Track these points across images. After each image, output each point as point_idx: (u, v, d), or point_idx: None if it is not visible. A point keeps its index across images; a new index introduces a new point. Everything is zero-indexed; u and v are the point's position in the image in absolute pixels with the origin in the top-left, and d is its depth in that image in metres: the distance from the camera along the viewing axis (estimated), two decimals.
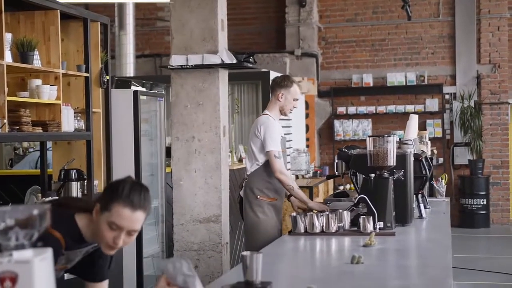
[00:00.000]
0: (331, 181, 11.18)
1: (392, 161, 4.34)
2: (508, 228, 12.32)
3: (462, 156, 12.52)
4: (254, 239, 5.12)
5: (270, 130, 5.11)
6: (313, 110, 12.53)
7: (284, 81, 5.29)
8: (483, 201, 12.16)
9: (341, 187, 12.11)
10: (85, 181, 5.53)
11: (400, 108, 12.60)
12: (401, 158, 4.49)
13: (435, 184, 6.31)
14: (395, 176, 4.42)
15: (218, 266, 5.65)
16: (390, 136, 4.37)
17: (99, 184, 5.81)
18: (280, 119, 5.31)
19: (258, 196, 5.16)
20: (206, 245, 5.69)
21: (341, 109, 12.88)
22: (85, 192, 5.56)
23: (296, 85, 5.32)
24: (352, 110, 12.83)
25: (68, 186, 5.34)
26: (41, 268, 1.72)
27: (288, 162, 9.81)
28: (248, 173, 5.26)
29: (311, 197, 9.03)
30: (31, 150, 8.96)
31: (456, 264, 8.57)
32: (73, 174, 5.37)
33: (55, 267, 2.55)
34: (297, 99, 5.31)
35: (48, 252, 1.77)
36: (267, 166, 5.14)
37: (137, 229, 2.56)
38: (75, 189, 5.36)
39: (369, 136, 4.43)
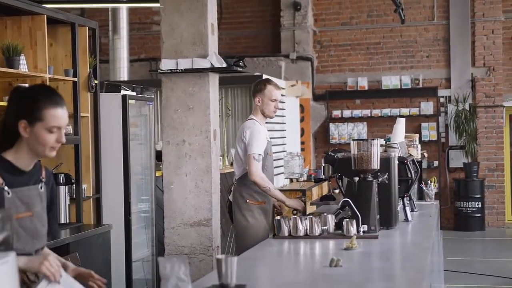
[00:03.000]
0: (325, 185, 11.19)
1: (376, 164, 4.35)
2: (503, 231, 12.32)
3: (457, 159, 12.53)
4: (244, 243, 5.15)
5: (255, 134, 5.20)
6: (308, 113, 12.55)
7: (258, 85, 5.40)
8: (478, 204, 12.17)
9: (337, 191, 12.12)
10: (73, 185, 5.54)
11: (395, 111, 12.61)
12: (386, 162, 4.50)
13: (424, 187, 6.31)
14: (379, 179, 4.43)
15: (209, 270, 5.65)
16: (374, 139, 4.38)
17: (87, 189, 5.83)
18: (272, 122, 5.37)
19: (248, 200, 5.24)
20: (197, 248, 5.70)
21: (336, 113, 12.90)
22: (74, 196, 5.57)
23: (272, 86, 5.39)
24: (347, 113, 12.85)
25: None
26: (2, 272, 1.74)
27: (281, 166, 9.86)
28: (236, 178, 5.34)
29: (304, 201, 9.04)
30: None
31: (451, 267, 8.57)
32: (61, 178, 5.38)
33: (16, 214, 2.60)
34: (275, 100, 5.36)
35: (11, 257, 1.79)
36: None
37: (68, 123, 2.84)
38: (63, 194, 5.38)
39: (353, 140, 4.45)
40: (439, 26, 12.74)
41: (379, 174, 4.44)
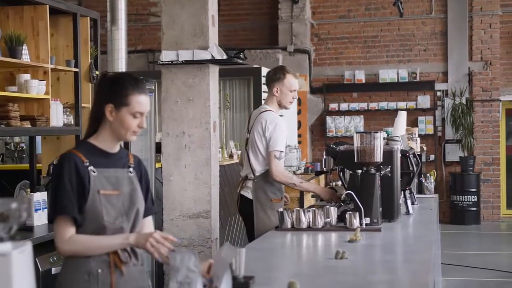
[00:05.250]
0: (322, 178, 11.20)
1: (378, 157, 4.35)
2: (499, 225, 12.37)
3: (454, 153, 12.56)
4: None
5: (277, 130, 4.93)
6: (305, 106, 12.56)
7: (277, 74, 5.11)
8: (474, 198, 12.22)
9: (333, 183, 12.13)
10: None
11: (392, 104, 12.63)
12: (388, 154, 4.50)
13: (423, 181, 6.33)
14: (382, 172, 4.44)
15: None
16: (377, 132, 4.39)
17: None
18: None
19: (272, 199, 5.01)
20: (196, 240, 5.70)
21: (333, 106, 12.91)
22: None
23: (291, 75, 5.11)
24: (344, 106, 12.86)
25: None
26: (19, 260, 1.73)
27: None
28: (256, 174, 5.03)
29: (301, 194, 9.03)
30: (22, 145, 8.95)
31: (447, 261, 8.60)
32: None
33: (102, 191, 2.80)
34: (294, 90, 5.09)
35: (27, 246, 1.78)
36: None
37: (149, 109, 2.91)
38: None
39: (356, 132, 4.45)
40: (437, 20, 12.75)
41: (381, 167, 4.45)
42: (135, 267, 2.89)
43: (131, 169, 2.93)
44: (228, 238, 7.51)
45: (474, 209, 12.25)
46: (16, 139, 8.69)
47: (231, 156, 7.99)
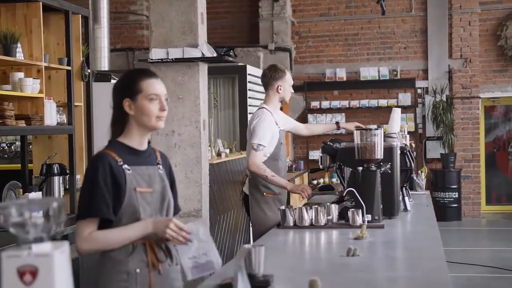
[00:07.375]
0: (305, 175, 11.24)
1: (379, 154, 4.35)
2: (479, 221, 12.48)
3: (434, 150, 12.64)
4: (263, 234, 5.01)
5: (261, 123, 5.04)
6: (287, 104, 12.52)
7: (278, 73, 5.22)
8: (455, 195, 12.30)
9: (315, 181, 12.17)
10: (67, 175, 5.46)
11: (373, 102, 12.68)
12: (388, 151, 4.50)
13: (415, 178, 6.36)
14: (382, 169, 4.44)
15: None
16: (377, 129, 4.39)
17: (81, 179, 5.75)
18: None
19: (264, 194, 5.09)
20: None
21: (314, 104, 12.92)
22: (67, 187, 5.50)
23: (288, 71, 5.33)
24: (325, 104, 12.88)
25: (50, 180, 5.27)
26: (60, 260, 1.70)
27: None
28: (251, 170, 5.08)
29: (288, 193, 9.00)
30: (3, 145, 8.84)
31: None
32: (55, 168, 5.29)
33: (139, 188, 2.79)
34: (292, 84, 5.34)
35: (66, 245, 1.75)
36: (270, 161, 5.05)
37: (166, 93, 2.88)
38: (57, 184, 5.30)
39: (356, 129, 4.44)
40: (417, 18, 12.82)
41: (381, 163, 4.44)
42: (170, 267, 2.87)
43: (160, 166, 2.92)
44: (217, 236, 7.48)
45: (455, 205, 12.34)
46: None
47: (219, 154, 7.95)
